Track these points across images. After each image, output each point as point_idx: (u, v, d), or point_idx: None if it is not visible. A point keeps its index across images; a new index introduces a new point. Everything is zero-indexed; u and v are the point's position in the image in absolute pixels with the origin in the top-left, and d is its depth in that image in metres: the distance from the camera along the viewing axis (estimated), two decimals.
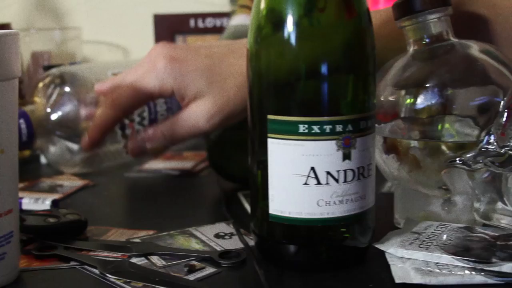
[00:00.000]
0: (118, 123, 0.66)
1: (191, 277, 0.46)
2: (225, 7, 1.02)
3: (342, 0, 0.44)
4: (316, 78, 0.44)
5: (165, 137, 0.58)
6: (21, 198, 0.62)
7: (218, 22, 0.96)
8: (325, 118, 0.43)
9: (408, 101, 0.52)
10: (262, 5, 0.45)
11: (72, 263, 0.49)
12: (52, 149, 0.73)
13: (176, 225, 0.56)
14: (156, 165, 0.77)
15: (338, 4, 0.44)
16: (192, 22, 0.96)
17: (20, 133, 0.68)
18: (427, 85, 0.52)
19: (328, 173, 0.44)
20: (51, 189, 0.68)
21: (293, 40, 0.44)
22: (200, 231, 0.55)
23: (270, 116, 0.45)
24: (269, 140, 0.45)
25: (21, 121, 0.68)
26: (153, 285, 0.44)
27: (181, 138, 0.58)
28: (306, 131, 0.44)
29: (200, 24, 0.96)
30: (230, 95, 0.56)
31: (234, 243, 0.52)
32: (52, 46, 0.86)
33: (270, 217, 0.46)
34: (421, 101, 0.51)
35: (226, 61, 0.58)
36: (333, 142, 0.44)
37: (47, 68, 0.78)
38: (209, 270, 0.47)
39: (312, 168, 0.44)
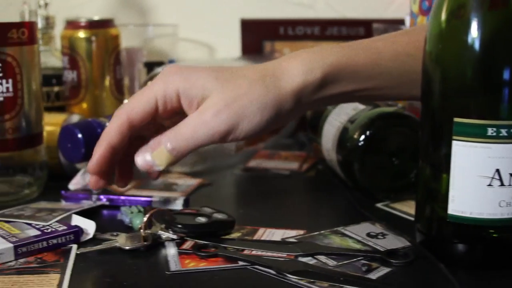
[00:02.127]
0: None
1: (372, 276, 0.46)
2: (319, 12, 1.03)
3: None
4: (508, 81, 0.45)
5: (168, 139, 0.52)
6: (150, 196, 0.62)
7: (308, 31, 0.95)
8: None
9: None
10: (447, 10, 0.46)
11: (241, 263, 0.49)
12: None
13: (316, 224, 0.57)
14: (261, 164, 0.77)
15: None
16: (281, 30, 0.96)
17: None
18: None
19: None
20: (168, 188, 0.68)
21: (487, 43, 0.44)
22: (350, 230, 0.55)
23: (456, 119, 0.46)
24: (454, 142, 0.46)
25: None
26: (340, 285, 0.45)
27: (185, 138, 0.51)
28: (494, 134, 0.45)
29: (290, 31, 0.95)
30: (241, 90, 0.52)
31: (392, 242, 0.52)
32: (139, 42, 0.86)
33: (448, 217, 0.47)
34: None
35: (236, 68, 0.55)
36: None
37: (150, 65, 0.78)
38: (384, 269, 0.47)
39: (497, 170, 0.45)
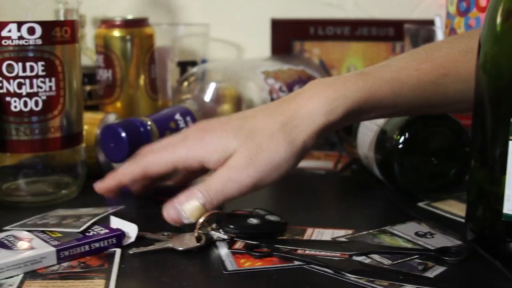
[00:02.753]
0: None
1: (429, 275, 0.47)
2: (347, 12, 1.03)
3: None
4: None
5: (200, 193, 0.54)
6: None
7: (338, 31, 0.95)
8: None
9: None
10: (502, 12, 0.47)
11: (296, 262, 0.49)
12: None
13: (361, 224, 0.57)
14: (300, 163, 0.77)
15: None
16: (311, 30, 0.96)
17: None
18: None
19: None
20: None
21: None
22: (397, 230, 0.56)
23: None
24: (510, 142, 0.46)
25: (188, 118, 0.68)
26: (400, 283, 0.45)
27: (216, 192, 0.54)
28: None
29: (320, 31, 0.95)
30: (262, 146, 0.54)
31: (441, 241, 0.53)
32: (169, 41, 0.86)
33: (504, 216, 0.47)
34: None
35: (255, 118, 0.56)
36: None
37: (183, 64, 0.78)
38: (440, 268, 0.48)
39: None
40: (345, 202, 0.66)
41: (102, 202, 0.63)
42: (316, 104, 0.54)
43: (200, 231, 0.53)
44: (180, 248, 0.51)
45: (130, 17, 0.79)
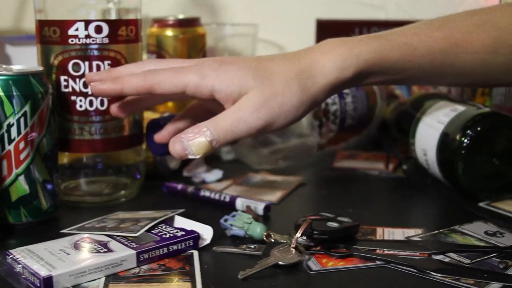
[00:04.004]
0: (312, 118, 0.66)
1: (510, 273, 0.47)
2: (389, 14, 1.03)
3: None
4: None
5: (209, 130, 0.53)
6: (236, 196, 0.62)
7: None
8: None
9: None
10: None
11: (378, 262, 0.49)
12: (245, 147, 0.73)
13: (428, 223, 0.58)
14: (348, 164, 0.78)
15: None
16: (357, 30, 0.95)
17: None
18: None
19: None
20: (268, 185, 0.69)
21: None
22: (466, 229, 0.56)
23: None
24: None
25: None
26: (486, 281, 0.45)
27: (225, 131, 0.53)
28: None
29: (365, 32, 0.93)
30: (278, 90, 0.54)
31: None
32: (214, 41, 0.86)
33: None
34: None
35: (273, 61, 0.56)
36: None
37: None
38: None
39: None
40: (406, 202, 0.66)
41: (161, 204, 0.64)
42: (329, 60, 0.55)
43: (271, 239, 0.52)
44: (284, 263, 0.48)
45: (182, 16, 0.79)
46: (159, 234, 0.52)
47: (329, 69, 0.54)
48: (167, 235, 0.51)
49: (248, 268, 0.47)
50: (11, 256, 0.47)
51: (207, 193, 0.63)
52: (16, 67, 0.58)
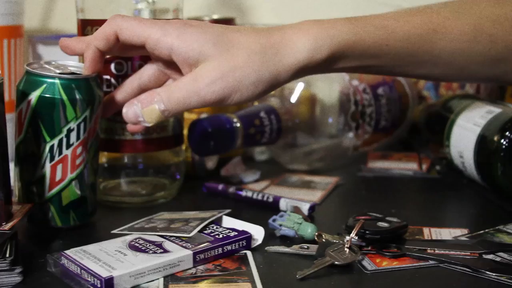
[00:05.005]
0: (347, 122, 0.64)
1: None
2: None
3: None
4: None
5: (161, 100, 0.52)
6: (279, 197, 0.62)
7: None
8: None
9: None
10: None
11: (431, 262, 0.49)
12: (279, 147, 0.73)
13: (472, 223, 0.59)
14: (381, 164, 0.78)
15: None
16: None
17: (271, 129, 0.68)
18: None
19: None
20: (306, 185, 0.69)
21: None
22: (511, 229, 0.57)
23: None
24: None
25: (272, 116, 0.68)
26: None
27: (178, 102, 0.52)
28: None
29: None
30: (238, 62, 0.52)
31: None
32: None
33: None
34: None
35: (240, 32, 0.54)
36: None
37: None
38: None
39: None
40: (445, 202, 0.66)
41: (201, 204, 0.64)
42: (301, 38, 0.52)
43: (323, 240, 0.52)
44: (340, 263, 0.48)
45: (216, 16, 0.79)
46: (211, 234, 0.52)
47: (300, 48, 0.52)
48: (220, 236, 0.51)
49: (303, 268, 0.47)
50: (66, 256, 0.47)
51: (249, 193, 0.63)
52: (61, 63, 0.58)
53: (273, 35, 0.52)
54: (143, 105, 0.52)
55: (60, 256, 0.48)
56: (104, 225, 0.58)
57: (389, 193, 0.69)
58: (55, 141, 0.53)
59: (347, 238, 0.51)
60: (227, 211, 0.57)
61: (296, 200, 0.61)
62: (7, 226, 0.49)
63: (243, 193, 0.64)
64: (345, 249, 0.50)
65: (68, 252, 0.48)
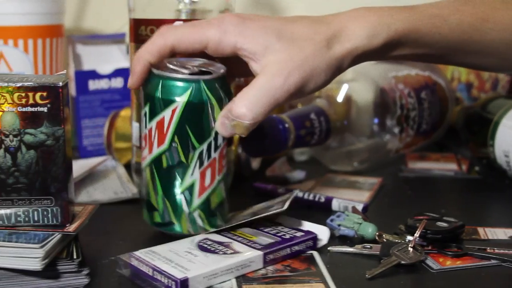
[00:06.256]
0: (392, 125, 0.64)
1: None
2: None
3: None
4: None
5: (245, 114, 0.51)
6: (331, 197, 0.63)
7: None
8: None
9: None
10: None
11: (493, 261, 0.50)
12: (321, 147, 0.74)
13: None
14: (421, 165, 0.79)
15: None
16: None
17: (320, 130, 0.69)
18: None
19: None
20: (351, 185, 0.70)
21: None
22: None
23: None
24: None
25: (322, 118, 0.69)
26: None
27: (263, 104, 0.51)
28: None
29: None
30: (307, 52, 0.52)
31: None
32: None
33: None
34: None
35: (298, 23, 0.54)
36: None
37: None
38: None
39: None
40: (492, 202, 0.68)
41: (250, 204, 0.65)
42: (359, 26, 0.53)
43: (383, 239, 0.53)
44: (406, 262, 0.49)
45: None
46: (278, 235, 0.52)
47: (359, 35, 0.53)
48: (287, 236, 0.52)
49: (370, 268, 0.48)
50: (137, 257, 0.47)
51: (300, 194, 0.64)
52: (181, 60, 0.54)
53: (331, 24, 0.53)
54: (230, 121, 0.51)
55: (130, 257, 0.48)
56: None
57: (434, 193, 0.70)
58: (204, 146, 0.52)
59: (409, 237, 0.53)
60: (296, 192, 0.58)
61: (347, 200, 0.62)
62: (72, 228, 0.49)
63: (294, 194, 0.64)
64: (409, 248, 0.51)
65: (137, 253, 0.48)
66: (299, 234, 0.52)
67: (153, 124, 0.52)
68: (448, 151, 0.85)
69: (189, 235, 0.52)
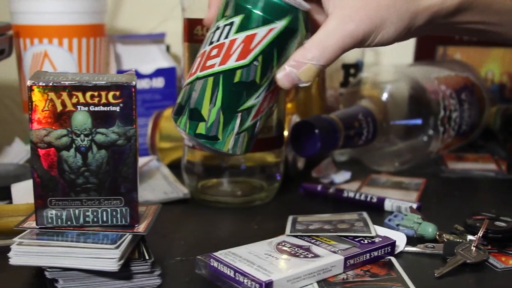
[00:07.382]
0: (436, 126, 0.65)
1: None
2: None
3: None
4: None
5: (314, 57, 0.50)
6: (384, 197, 0.63)
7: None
8: None
9: None
10: None
11: None
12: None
13: None
14: (461, 166, 0.80)
15: None
16: (456, 37, 0.97)
17: (368, 131, 0.70)
18: None
19: None
20: (397, 186, 0.71)
21: None
22: None
23: None
24: None
25: (369, 119, 0.70)
26: None
27: (333, 50, 0.50)
28: None
29: (465, 37, 0.95)
30: (382, 2, 0.50)
31: None
32: None
33: None
34: None
35: None
36: None
37: (346, 67, 0.78)
38: None
39: None
40: None
41: (301, 205, 0.66)
42: None
43: (444, 239, 0.54)
44: (471, 261, 0.50)
45: None
46: (356, 240, 0.52)
47: None
48: (365, 241, 0.52)
49: (436, 267, 0.49)
50: (217, 259, 0.47)
51: (351, 194, 0.65)
52: None
53: None
54: (298, 68, 0.50)
55: (209, 258, 0.48)
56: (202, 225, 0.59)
57: (479, 194, 0.71)
58: (276, 73, 0.50)
59: (470, 237, 0.54)
60: (364, 213, 0.57)
61: (399, 200, 0.63)
62: (141, 228, 0.49)
63: (345, 194, 0.65)
64: (472, 247, 0.52)
65: (217, 254, 0.48)
66: (377, 240, 0.52)
67: (240, 36, 0.50)
68: (483, 151, 0.86)
69: (226, 154, 0.52)
